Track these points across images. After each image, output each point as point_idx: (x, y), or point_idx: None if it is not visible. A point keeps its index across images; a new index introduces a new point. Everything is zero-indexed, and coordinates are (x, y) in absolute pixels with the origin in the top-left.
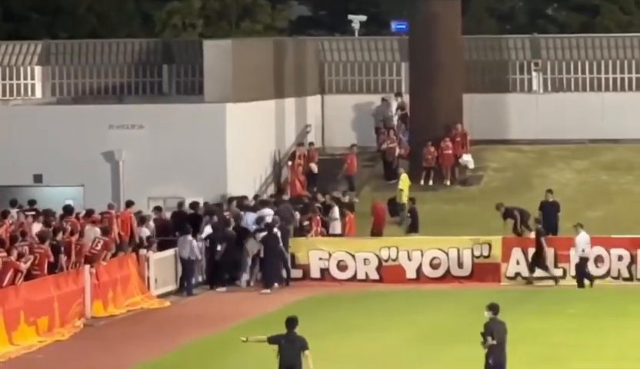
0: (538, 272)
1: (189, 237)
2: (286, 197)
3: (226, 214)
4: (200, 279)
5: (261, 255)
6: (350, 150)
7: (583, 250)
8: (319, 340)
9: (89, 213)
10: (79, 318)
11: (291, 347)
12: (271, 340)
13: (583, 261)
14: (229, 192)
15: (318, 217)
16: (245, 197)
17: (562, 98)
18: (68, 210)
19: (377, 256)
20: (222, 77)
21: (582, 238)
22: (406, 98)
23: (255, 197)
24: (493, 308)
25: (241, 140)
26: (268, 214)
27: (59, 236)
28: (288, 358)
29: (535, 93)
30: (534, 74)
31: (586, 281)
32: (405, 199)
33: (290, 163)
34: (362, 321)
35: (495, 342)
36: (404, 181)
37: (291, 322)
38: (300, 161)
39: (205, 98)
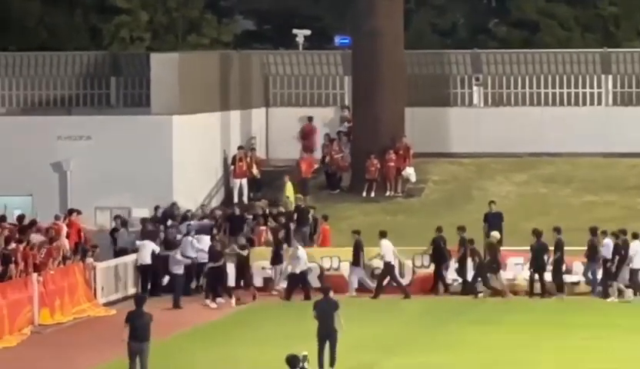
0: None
1: (146, 242)
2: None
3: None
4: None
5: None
6: (301, 153)
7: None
8: (260, 349)
9: (32, 223)
10: (27, 326)
11: (141, 321)
12: (127, 320)
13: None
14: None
15: (263, 228)
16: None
17: (502, 112)
18: (18, 219)
19: (319, 265)
20: (169, 89)
21: None
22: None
23: (202, 206)
24: (322, 290)
25: (186, 151)
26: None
27: (11, 245)
28: (140, 330)
29: (475, 107)
30: (474, 88)
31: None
32: (292, 206)
33: (232, 167)
34: (303, 331)
35: (315, 315)
36: (289, 189)
37: (140, 299)
38: (242, 164)
39: (151, 110)
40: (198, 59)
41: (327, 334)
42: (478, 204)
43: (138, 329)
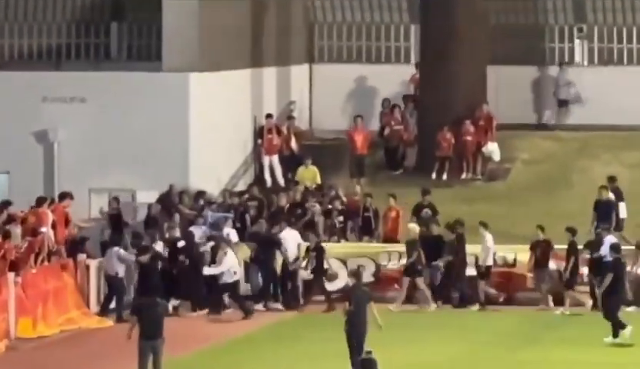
0: None
1: (115, 248)
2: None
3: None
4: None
5: None
6: (355, 123)
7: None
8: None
9: (5, 204)
10: (1, 340)
11: (154, 312)
12: (133, 312)
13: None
14: (191, 184)
15: None
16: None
17: (611, 72)
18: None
19: (374, 261)
20: (186, 40)
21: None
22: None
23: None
24: (355, 274)
25: (207, 118)
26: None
27: None
28: (152, 324)
29: (577, 66)
30: (577, 42)
31: None
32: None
33: (260, 141)
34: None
35: (352, 308)
36: (302, 173)
37: (155, 289)
38: (271, 136)
39: (163, 66)
40: (224, 2)
41: (359, 327)
42: (579, 189)
43: (149, 323)
